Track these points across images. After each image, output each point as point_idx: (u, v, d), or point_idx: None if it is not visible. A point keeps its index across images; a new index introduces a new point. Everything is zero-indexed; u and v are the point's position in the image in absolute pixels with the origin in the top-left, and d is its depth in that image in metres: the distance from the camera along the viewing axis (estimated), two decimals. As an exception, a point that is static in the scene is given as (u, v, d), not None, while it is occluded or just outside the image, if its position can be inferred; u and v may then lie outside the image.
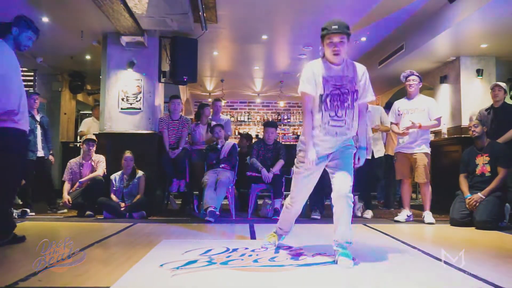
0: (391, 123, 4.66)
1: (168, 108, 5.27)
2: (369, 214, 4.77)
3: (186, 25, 4.77)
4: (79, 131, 6.76)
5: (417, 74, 4.48)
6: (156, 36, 5.27)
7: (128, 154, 4.75)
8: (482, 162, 4.21)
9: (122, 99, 5.17)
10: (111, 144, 5.06)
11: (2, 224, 2.94)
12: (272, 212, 4.67)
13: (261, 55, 6.96)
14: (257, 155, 4.93)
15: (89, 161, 4.94)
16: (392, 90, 8.16)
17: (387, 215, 4.96)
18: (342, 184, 2.50)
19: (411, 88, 4.44)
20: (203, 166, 5.03)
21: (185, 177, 5.03)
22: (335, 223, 2.54)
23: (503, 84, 4.74)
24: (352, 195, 2.51)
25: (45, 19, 4.94)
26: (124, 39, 5.03)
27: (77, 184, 4.84)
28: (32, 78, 7.22)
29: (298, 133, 10.04)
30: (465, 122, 5.59)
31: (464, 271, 2.28)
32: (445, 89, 6.19)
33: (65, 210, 4.97)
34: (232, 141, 5.29)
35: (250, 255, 2.65)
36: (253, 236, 3.49)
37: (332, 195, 2.53)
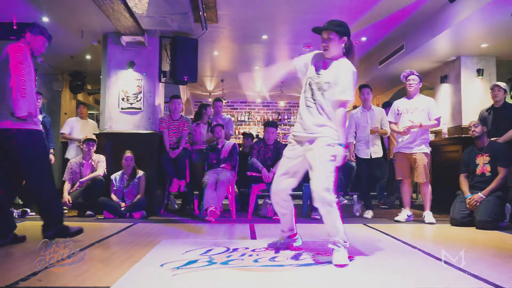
0: (390, 122, 4.65)
1: (169, 108, 5.27)
2: (369, 214, 4.77)
3: (186, 25, 4.77)
4: (60, 132, 6.19)
5: (417, 74, 4.47)
6: (157, 36, 5.27)
7: (128, 154, 4.75)
8: (482, 162, 4.21)
9: (123, 99, 5.17)
10: (111, 144, 5.06)
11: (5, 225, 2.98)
12: (273, 212, 4.66)
13: (261, 55, 6.96)
14: (257, 155, 4.93)
15: (89, 161, 4.94)
16: (392, 90, 8.16)
17: (387, 215, 4.95)
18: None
19: (411, 87, 4.44)
20: (203, 166, 5.03)
21: (185, 177, 5.03)
22: None
23: (502, 84, 4.73)
24: (326, 194, 2.48)
25: (45, 19, 4.95)
26: (124, 39, 5.03)
27: (78, 184, 4.84)
28: (32, 78, 7.22)
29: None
30: (465, 122, 5.58)
31: (464, 271, 2.28)
32: (445, 89, 6.19)
33: (66, 210, 4.96)
34: (234, 141, 5.28)
35: (251, 255, 2.65)
36: (253, 236, 3.50)
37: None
